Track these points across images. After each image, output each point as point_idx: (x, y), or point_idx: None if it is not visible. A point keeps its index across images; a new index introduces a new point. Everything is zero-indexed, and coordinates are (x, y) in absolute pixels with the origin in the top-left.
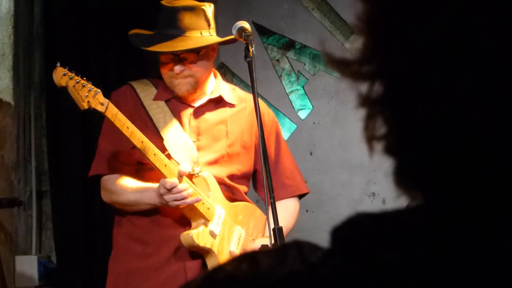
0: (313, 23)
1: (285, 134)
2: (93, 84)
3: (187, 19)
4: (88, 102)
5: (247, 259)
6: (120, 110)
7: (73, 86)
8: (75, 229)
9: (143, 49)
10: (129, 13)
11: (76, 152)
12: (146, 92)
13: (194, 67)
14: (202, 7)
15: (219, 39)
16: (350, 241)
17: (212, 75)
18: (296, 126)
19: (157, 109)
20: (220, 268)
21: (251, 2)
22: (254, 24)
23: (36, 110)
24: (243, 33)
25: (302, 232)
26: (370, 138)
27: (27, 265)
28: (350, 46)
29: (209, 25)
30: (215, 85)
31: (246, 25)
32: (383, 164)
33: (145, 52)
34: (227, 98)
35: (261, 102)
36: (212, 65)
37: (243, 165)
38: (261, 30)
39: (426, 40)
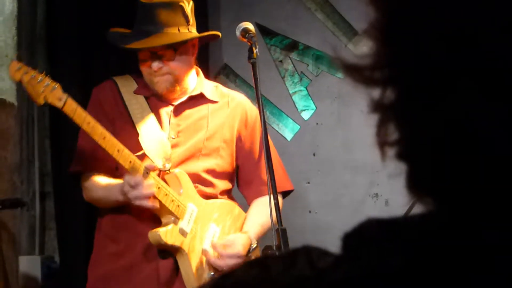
0: (316, 24)
1: (288, 135)
2: (93, 84)
3: (164, 15)
4: (45, 97)
5: (257, 264)
6: (101, 105)
7: (28, 81)
8: (78, 230)
9: (120, 47)
10: (133, 13)
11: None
12: (127, 87)
13: (172, 64)
14: (180, 4)
15: (196, 35)
16: (359, 247)
17: (194, 72)
18: (299, 127)
19: (136, 104)
20: (231, 273)
21: (254, 3)
22: (257, 25)
23: (39, 111)
24: (247, 34)
25: (305, 233)
26: (382, 144)
27: (31, 266)
28: (353, 47)
29: (187, 21)
30: (197, 83)
31: (250, 26)
32: (386, 165)
33: (124, 50)
34: (208, 95)
35: (244, 98)
36: (194, 63)
37: (222, 160)
38: (264, 31)
39: (438, 47)
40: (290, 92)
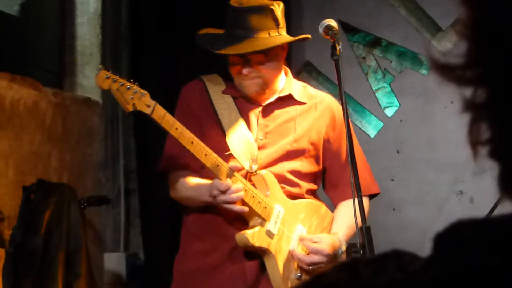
0: (399, 20)
1: (371, 132)
2: (176, 82)
3: (255, 20)
4: (134, 104)
5: (348, 267)
6: (189, 104)
7: (117, 89)
8: (163, 227)
9: (211, 51)
10: (215, 13)
11: (163, 151)
12: (215, 87)
13: (262, 69)
14: (271, 7)
15: (287, 39)
16: (452, 247)
17: (282, 72)
18: (382, 124)
19: (224, 104)
20: (321, 275)
21: (336, 0)
22: (339, 22)
23: (124, 110)
24: (330, 31)
25: (388, 231)
26: (475, 143)
27: (116, 262)
28: (437, 44)
29: (277, 25)
30: (286, 83)
31: (333, 23)
32: (471, 162)
33: (214, 54)
34: (297, 96)
35: (332, 99)
36: (283, 64)
37: (308, 162)
38: (347, 28)
39: None
40: (374, 89)
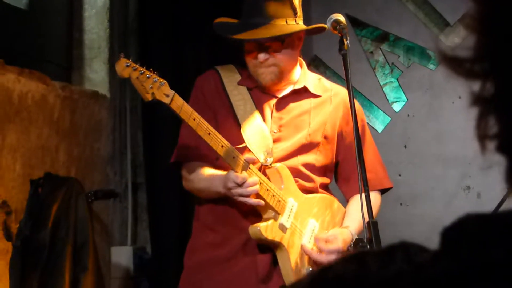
0: (407, 15)
1: (379, 127)
2: (184, 76)
3: (272, 7)
4: (153, 93)
5: (355, 259)
6: (204, 95)
7: (137, 77)
8: (170, 221)
9: (227, 37)
10: (223, 4)
11: (171, 144)
12: (230, 77)
13: (278, 56)
14: None
15: (304, 27)
16: (460, 241)
17: (298, 64)
18: (390, 118)
19: (238, 96)
20: (329, 268)
21: None
22: (347, 17)
23: (131, 103)
24: (338, 26)
25: (396, 225)
26: (483, 137)
27: (123, 256)
28: (445, 38)
29: (295, 14)
30: (301, 75)
31: (340, 17)
32: (479, 157)
33: (231, 40)
34: (311, 89)
35: (346, 92)
36: (298, 55)
37: (322, 155)
38: (355, 23)
39: None
40: (381, 83)
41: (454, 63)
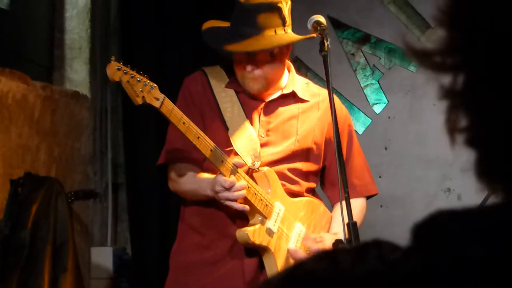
0: (389, 17)
1: (360, 129)
2: (167, 76)
3: (262, 17)
4: (143, 97)
5: (327, 257)
6: (191, 96)
7: (127, 81)
8: (151, 221)
9: (218, 49)
10: (206, 4)
11: (152, 145)
12: (217, 79)
13: (266, 67)
14: (279, 5)
15: (293, 38)
16: (431, 238)
17: (285, 69)
18: (371, 120)
19: (226, 98)
20: (300, 265)
21: None
22: (329, 18)
23: (112, 103)
24: (318, 27)
25: (376, 227)
26: (452, 130)
27: (103, 257)
28: (426, 41)
29: (284, 23)
30: (289, 80)
31: (321, 18)
32: (459, 159)
33: (221, 52)
34: (300, 94)
35: (335, 98)
36: (286, 61)
37: (310, 161)
38: (336, 24)
39: (510, 32)
40: (362, 85)
41: (424, 57)
